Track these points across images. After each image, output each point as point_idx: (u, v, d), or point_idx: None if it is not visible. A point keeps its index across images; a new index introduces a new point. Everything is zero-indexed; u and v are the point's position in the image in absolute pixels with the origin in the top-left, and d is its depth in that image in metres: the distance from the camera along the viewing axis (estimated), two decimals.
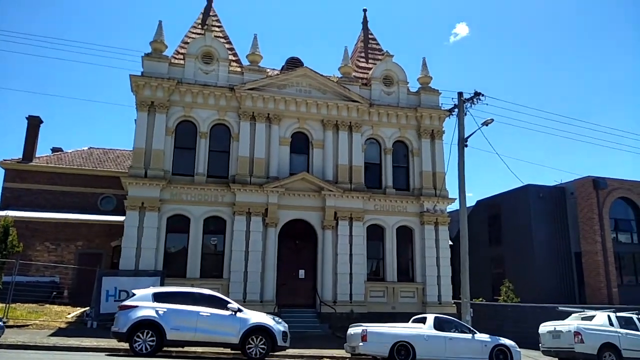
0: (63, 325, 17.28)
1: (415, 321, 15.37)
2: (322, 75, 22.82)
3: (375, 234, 22.64)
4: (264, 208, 20.87)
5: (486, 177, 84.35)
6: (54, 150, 33.46)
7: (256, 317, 13.18)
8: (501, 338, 14.81)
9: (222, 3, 74.07)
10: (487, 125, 17.43)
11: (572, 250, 29.08)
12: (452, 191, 25.41)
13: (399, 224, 22.85)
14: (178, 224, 20.36)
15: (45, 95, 75.32)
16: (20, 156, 29.10)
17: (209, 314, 12.65)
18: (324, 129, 22.67)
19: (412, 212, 23.06)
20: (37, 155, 30.14)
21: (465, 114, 18.60)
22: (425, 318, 14.88)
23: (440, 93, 24.41)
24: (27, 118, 29.92)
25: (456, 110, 19.14)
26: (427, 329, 14.26)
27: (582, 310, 16.89)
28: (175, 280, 19.37)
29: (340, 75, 23.81)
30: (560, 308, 17.27)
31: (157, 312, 12.33)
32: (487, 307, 23.39)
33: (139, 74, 20.67)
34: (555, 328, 15.56)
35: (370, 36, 27.56)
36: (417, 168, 23.67)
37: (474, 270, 26.58)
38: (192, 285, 19.26)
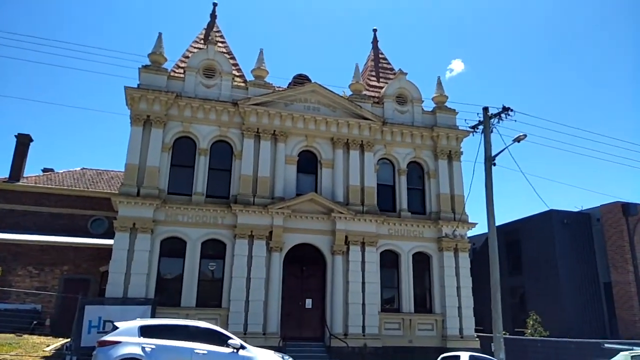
0: None
1: (444, 359, 13.35)
2: (332, 91, 21.42)
3: (389, 260, 20.77)
4: (268, 231, 19.05)
5: (499, 202, 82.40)
6: (45, 170, 31.75)
7: (263, 356, 11.21)
8: None
9: (226, 20, 73.69)
10: (518, 141, 15.83)
11: (601, 280, 27.10)
12: (472, 215, 23.62)
13: (415, 249, 21.01)
14: (173, 248, 18.49)
15: (38, 115, 74.04)
16: (7, 175, 27.38)
17: (205, 352, 10.70)
18: (334, 148, 21.10)
19: (429, 237, 21.25)
20: (25, 175, 28.43)
21: (492, 131, 17.03)
22: (458, 357, 12.88)
23: (457, 112, 23.03)
24: (16, 136, 28.31)
25: (480, 127, 17.58)
26: None
27: (630, 347, 14.90)
28: (169, 309, 17.40)
29: (350, 93, 22.41)
30: (606, 345, 15.27)
31: (143, 349, 10.39)
32: (513, 342, 21.24)
33: (135, 86, 19.21)
34: None
35: (380, 55, 26.40)
36: (433, 190, 22.00)
37: (490, 301, 24.61)
38: (187, 316, 17.35)
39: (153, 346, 10.48)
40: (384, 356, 18.94)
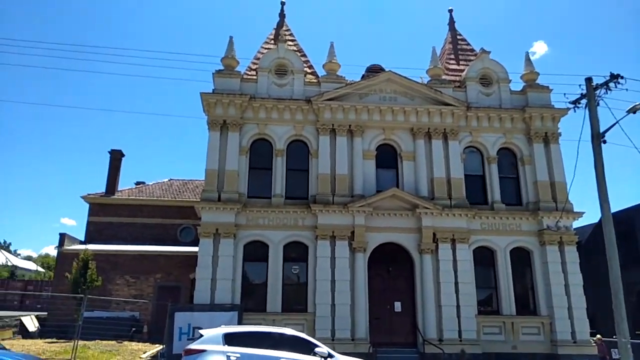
0: None
1: None
2: (408, 78, 20.11)
3: (484, 258, 18.98)
4: (349, 230, 18.19)
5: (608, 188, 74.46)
6: (137, 183, 33.61)
7: None
8: None
9: (295, 19, 74.44)
10: (634, 112, 13.53)
11: None
12: (577, 203, 20.99)
13: (512, 245, 19.02)
14: (256, 252, 18.24)
15: (124, 130, 79.51)
16: (104, 190, 29.18)
17: None
18: (414, 139, 19.76)
19: (529, 231, 19.14)
20: (119, 189, 30.16)
21: (598, 104, 14.79)
22: None
23: (552, 90, 20.65)
24: (109, 152, 30.15)
25: (583, 101, 15.36)
26: None
27: None
28: (254, 315, 17.13)
29: (428, 79, 20.93)
30: None
31: (228, 357, 9.95)
32: (637, 348, 18.39)
33: (210, 91, 19.32)
34: None
35: (459, 37, 24.56)
36: (529, 178, 19.84)
37: (602, 301, 21.70)
38: (274, 321, 16.95)
39: (238, 355, 10.01)
40: None
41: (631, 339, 21.91)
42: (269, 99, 19.47)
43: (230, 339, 10.35)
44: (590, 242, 26.49)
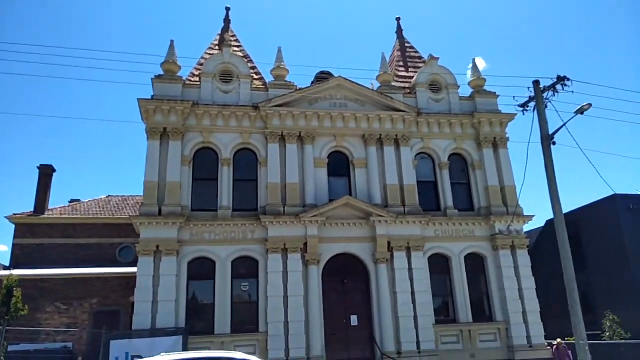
0: None
1: None
2: (358, 84, 19.66)
3: (439, 265, 18.64)
4: (302, 242, 17.28)
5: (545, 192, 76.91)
6: (72, 201, 31.06)
7: None
8: None
9: (240, 24, 73.00)
10: (582, 113, 13.62)
11: None
12: (526, 207, 21.26)
13: (466, 251, 18.82)
14: (201, 269, 16.91)
15: (59, 145, 74.66)
16: (32, 209, 26.64)
17: None
18: (366, 145, 19.26)
19: (481, 236, 19.03)
20: (49, 207, 27.67)
21: (546, 106, 14.87)
22: None
23: (498, 95, 20.89)
24: (38, 167, 27.64)
25: (531, 104, 15.42)
26: None
27: None
28: (201, 338, 15.80)
29: (378, 85, 20.59)
30: None
31: None
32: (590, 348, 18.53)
33: (149, 97, 17.95)
34: None
35: (407, 44, 24.55)
36: (480, 183, 19.82)
37: (551, 303, 22.00)
38: (222, 344, 15.65)
39: None
40: None
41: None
42: (214, 105, 18.36)
43: None
44: (537, 245, 27.03)
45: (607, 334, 20.60)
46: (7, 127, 73.86)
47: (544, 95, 14.96)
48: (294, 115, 18.70)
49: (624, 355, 16.98)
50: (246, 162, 18.51)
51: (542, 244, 27.57)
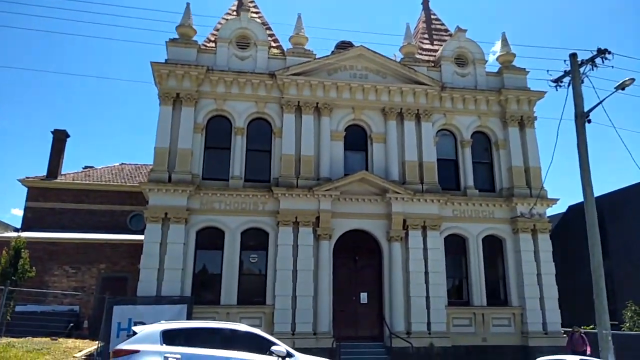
0: None
1: None
2: (381, 54, 18.73)
3: (455, 246, 17.96)
4: (314, 216, 16.71)
5: (574, 175, 74.15)
6: (86, 168, 30.95)
7: None
8: None
9: None
10: (623, 89, 12.64)
11: None
12: (551, 191, 20.27)
13: (484, 233, 18.07)
14: (210, 239, 16.51)
15: (74, 111, 74.57)
16: (45, 174, 26.55)
17: None
18: (386, 120, 18.45)
19: (502, 218, 18.23)
20: (63, 173, 27.56)
21: (582, 82, 13.86)
22: None
23: (528, 72, 19.77)
24: (52, 132, 27.45)
25: (564, 81, 14.41)
26: None
27: None
28: (207, 308, 15.50)
29: (401, 57, 19.64)
30: None
31: (166, 359, 8.27)
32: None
33: (163, 61, 17.34)
34: None
35: (432, 16, 23.40)
36: (504, 163, 18.92)
37: (569, 293, 21.22)
38: (228, 315, 15.32)
39: (178, 356, 8.36)
40: (454, 357, 16.22)
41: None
42: (229, 71, 17.67)
43: (170, 337, 8.66)
44: (559, 230, 26.08)
45: (627, 324, 19.83)
46: (22, 89, 73.99)
47: (581, 69, 13.96)
48: (312, 85, 17.93)
49: None
50: (260, 132, 17.91)
51: (561, 232, 26.64)
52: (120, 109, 77.53)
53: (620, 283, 23.97)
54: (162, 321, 9.45)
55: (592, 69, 13.59)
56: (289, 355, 8.74)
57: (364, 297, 17.12)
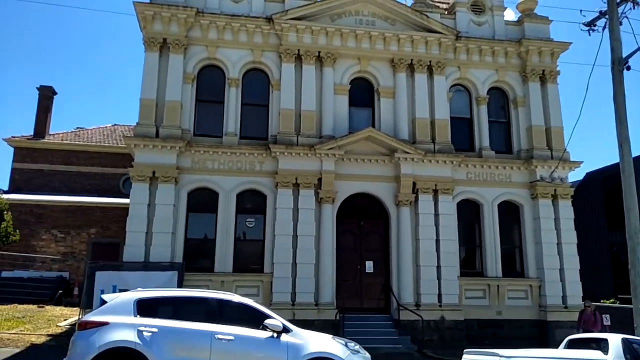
0: (40, 340, 12.39)
1: (574, 344, 9.30)
2: None
3: (468, 212, 16.58)
4: (316, 177, 15.30)
5: (597, 138, 72.17)
6: (78, 129, 29.46)
7: (315, 342, 7.58)
8: None
9: None
10: None
11: None
12: (574, 152, 18.70)
13: (501, 198, 16.65)
14: (202, 201, 15.17)
15: (65, 71, 72.27)
16: (32, 133, 25.13)
17: (232, 337, 7.22)
18: (394, 72, 16.77)
19: (519, 182, 16.78)
20: (51, 133, 26.13)
21: (621, 23, 12.16)
22: (603, 341, 8.75)
23: (552, 21, 17.90)
24: (38, 88, 25.87)
25: (597, 24, 12.69)
26: (613, 359, 8.17)
27: None
28: (200, 276, 14.34)
29: (412, 2, 17.77)
30: None
31: (140, 334, 7.01)
32: (625, 312, 16.67)
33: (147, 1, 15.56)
34: None
35: None
36: (522, 123, 17.32)
37: (585, 263, 19.94)
38: (223, 283, 14.12)
39: (155, 329, 7.09)
40: (468, 331, 15.09)
41: (615, 303, 20.36)
42: (221, 15, 15.90)
43: (145, 308, 7.38)
44: (579, 197, 24.57)
45: None
46: (6, 44, 71.18)
47: (619, 9, 12.21)
48: (314, 31, 16.16)
49: None
50: (257, 84, 16.28)
51: (578, 200, 25.21)
52: (113, 69, 74.78)
53: None
54: (138, 288, 8.17)
55: (633, 8, 11.87)
56: (286, 330, 7.47)
57: (369, 265, 15.87)
